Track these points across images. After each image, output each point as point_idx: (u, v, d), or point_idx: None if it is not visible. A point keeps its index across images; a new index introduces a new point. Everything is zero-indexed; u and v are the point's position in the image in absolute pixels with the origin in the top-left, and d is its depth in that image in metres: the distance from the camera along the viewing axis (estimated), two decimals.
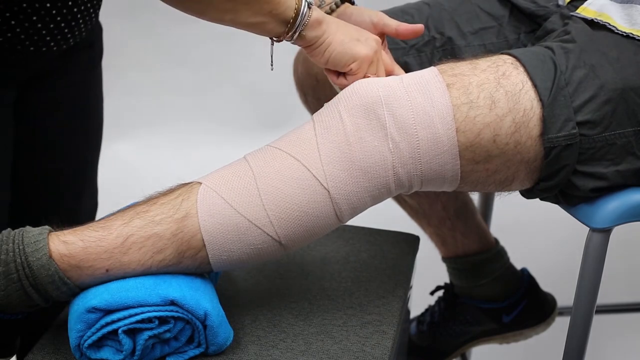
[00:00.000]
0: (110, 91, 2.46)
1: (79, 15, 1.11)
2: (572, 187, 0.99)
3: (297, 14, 0.96)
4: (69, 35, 1.12)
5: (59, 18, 1.08)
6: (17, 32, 1.05)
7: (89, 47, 1.23)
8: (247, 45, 2.53)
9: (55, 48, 1.11)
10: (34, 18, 1.05)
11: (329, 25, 1.00)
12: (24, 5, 1.04)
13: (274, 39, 1.00)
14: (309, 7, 0.98)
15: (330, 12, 1.09)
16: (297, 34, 0.98)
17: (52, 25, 1.08)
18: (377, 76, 1.03)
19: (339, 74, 1.03)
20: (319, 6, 1.10)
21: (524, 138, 0.95)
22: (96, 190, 1.39)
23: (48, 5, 1.06)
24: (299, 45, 1.02)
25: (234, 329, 1.00)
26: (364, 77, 1.01)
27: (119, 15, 2.47)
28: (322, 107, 1.00)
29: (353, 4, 1.11)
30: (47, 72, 1.17)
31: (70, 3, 1.09)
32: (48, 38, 1.09)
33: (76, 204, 1.32)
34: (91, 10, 1.14)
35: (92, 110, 1.30)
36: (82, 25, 1.13)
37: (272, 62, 1.06)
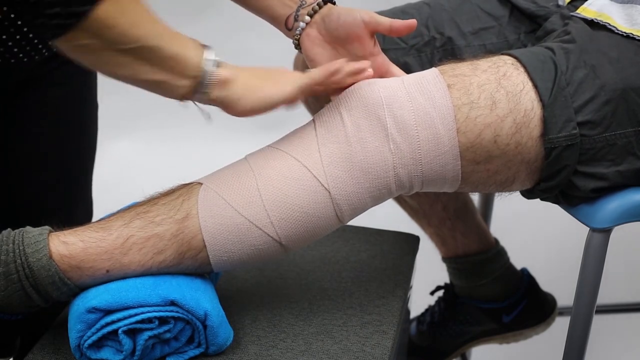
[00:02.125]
0: (110, 90, 2.45)
1: None
2: (572, 187, 0.99)
3: (200, 73, 0.88)
4: (40, 46, 1.06)
5: (25, 29, 1.03)
6: None
7: None
8: (246, 44, 2.53)
9: (26, 59, 1.06)
10: None
11: (238, 81, 0.91)
12: None
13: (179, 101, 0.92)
14: (218, 66, 0.89)
15: (313, 13, 1.04)
16: (200, 94, 0.90)
17: (18, 37, 1.03)
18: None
19: None
20: (300, 6, 1.04)
21: (525, 139, 0.95)
22: (91, 200, 1.35)
23: (12, 15, 1.01)
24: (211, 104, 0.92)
25: (234, 329, 1.00)
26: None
27: None
28: (322, 107, 1.00)
29: (334, 4, 1.06)
30: (33, 80, 1.13)
31: None
32: (16, 50, 1.04)
33: (69, 214, 1.28)
34: None
35: (84, 117, 1.25)
36: None
37: (204, 116, 0.94)
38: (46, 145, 1.20)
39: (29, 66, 1.09)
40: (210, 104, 0.92)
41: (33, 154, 1.20)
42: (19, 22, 1.02)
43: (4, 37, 1.03)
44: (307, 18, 1.04)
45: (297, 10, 1.05)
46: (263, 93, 0.93)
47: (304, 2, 1.05)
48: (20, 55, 1.06)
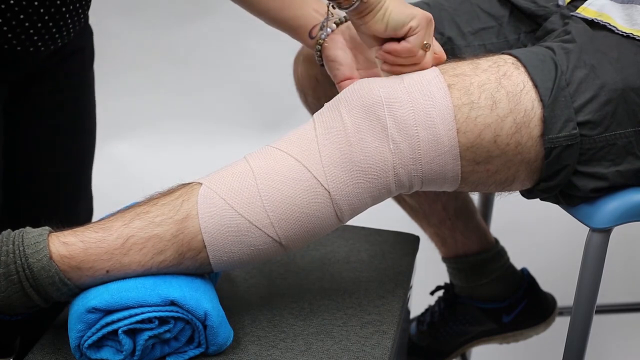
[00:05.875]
0: (110, 91, 2.46)
1: (67, 16, 1.11)
2: (572, 187, 0.99)
3: None
4: (57, 36, 1.11)
5: (47, 17, 1.07)
6: (4, 31, 1.05)
7: (80, 51, 1.23)
8: (247, 45, 2.53)
9: (43, 49, 1.10)
10: (22, 17, 1.05)
11: None
12: (12, 3, 1.03)
13: (334, 6, 0.98)
14: None
15: (340, 23, 1.10)
16: None
17: (39, 25, 1.07)
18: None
19: (398, 41, 0.99)
20: (327, 19, 1.10)
21: (525, 138, 0.95)
22: (91, 196, 1.38)
23: (36, 3, 1.05)
24: (355, 15, 0.98)
25: (234, 329, 1.00)
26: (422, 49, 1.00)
27: (118, 14, 2.48)
28: (322, 107, 1.00)
29: None
30: (39, 75, 1.16)
31: (58, 2, 1.08)
32: (36, 38, 1.08)
33: (72, 210, 1.31)
34: (80, 11, 1.13)
35: (84, 114, 1.29)
36: (71, 27, 1.13)
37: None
38: (49, 141, 1.23)
39: (43, 55, 1.12)
40: (359, 13, 0.96)
41: (40, 148, 1.22)
42: (42, 11, 1.06)
43: (27, 24, 1.06)
44: (334, 25, 1.10)
45: (323, 22, 1.10)
46: (408, 9, 0.97)
47: (330, 15, 1.11)
48: (39, 44, 1.09)
